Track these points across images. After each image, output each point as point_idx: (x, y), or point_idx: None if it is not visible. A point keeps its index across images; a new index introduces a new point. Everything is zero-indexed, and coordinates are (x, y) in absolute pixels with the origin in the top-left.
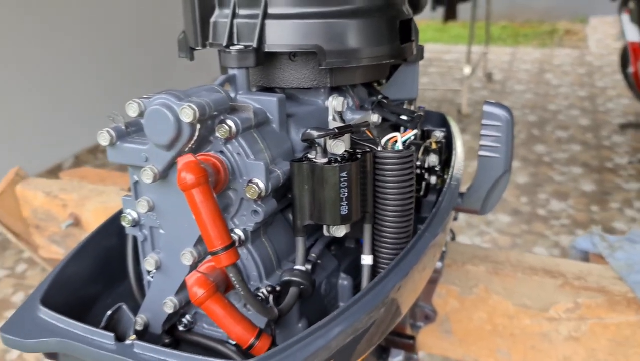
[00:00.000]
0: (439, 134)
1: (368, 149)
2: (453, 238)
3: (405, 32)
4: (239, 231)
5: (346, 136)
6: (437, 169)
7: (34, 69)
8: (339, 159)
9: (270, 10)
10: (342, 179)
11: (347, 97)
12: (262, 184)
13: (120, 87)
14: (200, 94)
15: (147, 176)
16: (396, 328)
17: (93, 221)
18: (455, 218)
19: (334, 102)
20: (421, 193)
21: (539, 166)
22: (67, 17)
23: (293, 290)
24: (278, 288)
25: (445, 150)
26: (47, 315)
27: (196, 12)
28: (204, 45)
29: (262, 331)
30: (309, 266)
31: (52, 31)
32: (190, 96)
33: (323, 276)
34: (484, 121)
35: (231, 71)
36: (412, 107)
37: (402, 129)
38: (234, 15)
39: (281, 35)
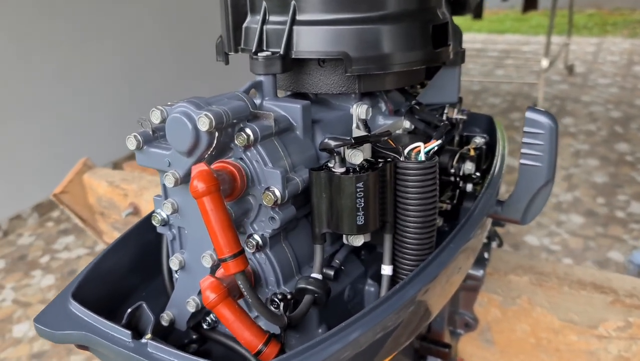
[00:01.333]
0: (479, 140)
1: (390, 159)
2: (500, 245)
3: (440, 36)
4: (257, 237)
5: (366, 146)
6: (474, 176)
7: (108, 68)
8: (357, 168)
9: (299, 17)
10: (358, 189)
11: (380, 102)
12: (278, 192)
13: (182, 86)
14: (221, 101)
15: (169, 181)
16: (434, 335)
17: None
18: (501, 225)
19: (359, 110)
20: (454, 201)
21: (620, 165)
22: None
23: (307, 298)
24: (289, 296)
25: (488, 156)
26: (76, 309)
27: (229, 18)
28: (236, 51)
29: (271, 337)
30: (331, 272)
31: (129, 29)
32: (211, 104)
33: (347, 282)
34: (526, 128)
35: (258, 77)
36: (455, 111)
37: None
38: (264, 21)
39: (308, 42)
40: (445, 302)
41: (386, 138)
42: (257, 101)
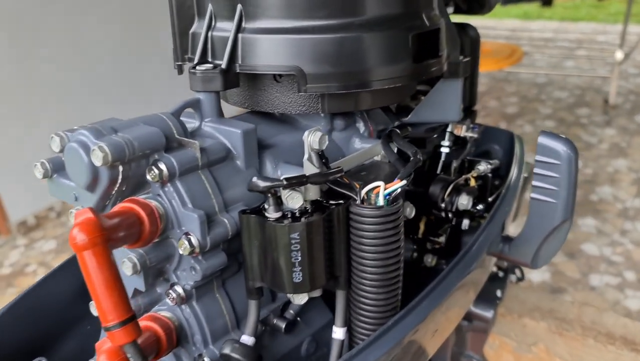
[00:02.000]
0: (483, 167)
1: (341, 201)
2: (520, 279)
3: (426, 46)
4: (179, 288)
5: (312, 186)
6: (475, 210)
7: None
8: (297, 214)
9: (246, 24)
10: (294, 241)
11: (358, 122)
12: (194, 240)
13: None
14: (133, 127)
15: (73, 218)
16: None
17: None
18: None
19: (311, 138)
20: (443, 239)
21: None
22: None
23: None
24: None
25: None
26: None
27: (174, 21)
28: (183, 60)
29: None
30: (281, 324)
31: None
32: (118, 130)
33: (307, 334)
34: (538, 157)
35: (197, 94)
36: (463, 128)
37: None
38: (210, 27)
39: (256, 54)
40: (432, 352)
41: (339, 176)
42: (195, 124)
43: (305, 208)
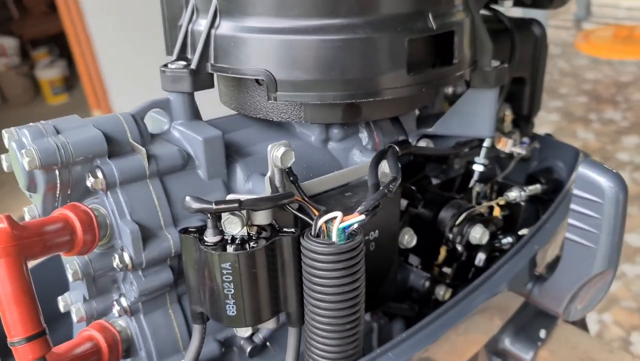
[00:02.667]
0: (515, 194)
1: (292, 230)
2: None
3: (432, 52)
4: (123, 300)
5: (262, 212)
6: (501, 244)
7: None
8: (238, 240)
9: (222, 21)
10: (225, 271)
11: (361, 132)
12: (126, 256)
13: None
14: (77, 130)
15: (27, 217)
16: None
17: None
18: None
19: (274, 154)
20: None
21: None
22: None
23: None
24: None
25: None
26: None
27: (164, 11)
28: (171, 54)
29: None
30: (247, 347)
31: None
32: (62, 132)
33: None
34: (576, 191)
35: (168, 94)
36: (509, 143)
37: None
38: (190, 20)
39: (226, 54)
40: None
41: (285, 202)
42: (165, 126)
43: (249, 234)
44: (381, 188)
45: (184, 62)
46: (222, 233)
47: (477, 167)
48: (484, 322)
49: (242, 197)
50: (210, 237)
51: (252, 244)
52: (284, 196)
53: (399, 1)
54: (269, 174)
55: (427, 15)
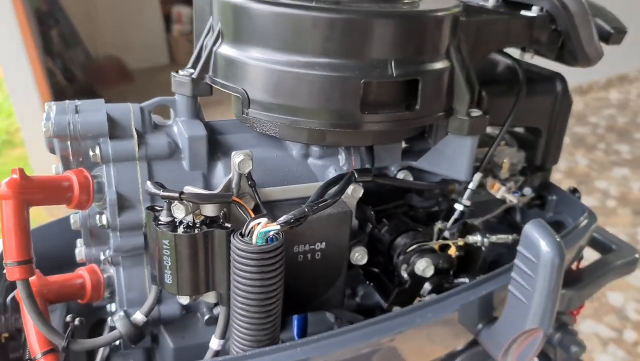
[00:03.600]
0: (473, 238)
1: (228, 226)
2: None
3: (396, 95)
4: (107, 252)
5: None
6: (446, 281)
7: None
8: (180, 224)
9: (223, 42)
10: (165, 247)
11: (340, 154)
12: (104, 218)
13: None
14: (91, 112)
15: (53, 170)
16: None
17: None
18: None
19: (235, 160)
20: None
21: None
22: None
23: (110, 335)
24: (77, 322)
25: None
26: None
27: (195, 24)
28: None
29: (51, 351)
30: (208, 317)
31: None
32: (81, 111)
33: None
34: (519, 247)
35: (176, 95)
36: (502, 189)
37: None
38: (206, 36)
39: (219, 70)
40: None
41: (221, 200)
42: (169, 121)
43: (194, 222)
44: (304, 207)
45: (191, 71)
46: (171, 215)
47: (458, 206)
48: (407, 347)
49: (194, 190)
50: (163, 217)
51: (188, 229)
52: (220, 196)
53: (360, 47)
54: (229, 176)
55: (389, 62)
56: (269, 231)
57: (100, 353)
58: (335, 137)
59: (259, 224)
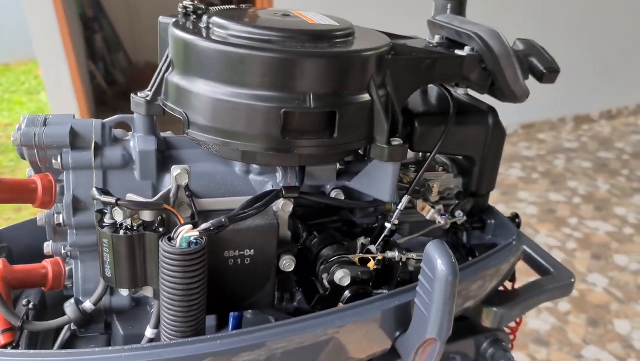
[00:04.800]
0: (393, 254)
1: (160, 229)
2: None
3: (316, 124)
4: (67, 246)
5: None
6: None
7: None
8: (120, 226)
9: (173, 70)
10: (104, 245)
11: (278, 171)
12: (61, 217)
13: None
14: (56, 125)
15: (27, 173)
16: None
17: None
18: None
19: (174, 172)
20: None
21: None
22: None
23: (61, 318)
24: (31, 306)
25: None
26: None
27: (160, 52)
28: None
29: (9, 330)
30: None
31: None
32: (49, 124)
33: None
34: (422, 264)
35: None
36: (430, 211)
37: None
38: (163, 63)
39: (168, 95)
40: None
41: (153, 207)
42: (127, 136)
43: (131, 225)
44: (222, 217)
45: (148, 93)
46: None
47: (387, 224)
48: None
49: (132, 198)
50: (106, 219)
51: (127, 231)
52: (151, 204)
53: (281, 81)
54: (169, 186)
55: (308, 95)
56: (190, 237)
57: (61, 335)
58: (264, 158)
59: (185, 228)
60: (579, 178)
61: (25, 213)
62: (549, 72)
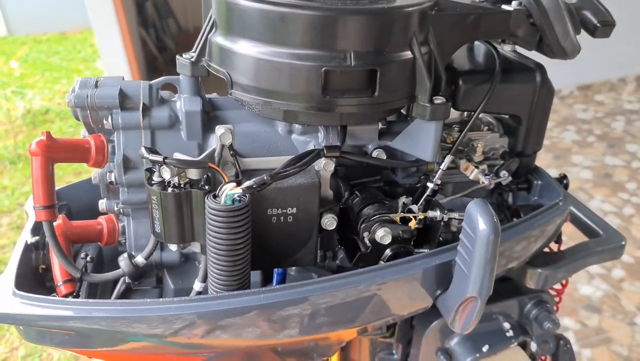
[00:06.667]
0: (435, 213)
1: (207, 187)
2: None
3: (357, 82)
4: (119, 205)
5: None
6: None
7: None
8: (168, 183)
9: (217, 30)
10: (153, 201)
11: (319, 132)
12: (113, 175)
13: None
14: (107, 87)
15: (82, 134)
16: None
17: None
18: None
19: (218, 132)
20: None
21: None
22: None
23: (115, 272)
24: (89, 259)
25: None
26: None
27: (204, 13)
28: None
29: (71, 280)
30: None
31: None
32: (100, 86)
33: None
34: (463, 223)
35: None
36: (474, 171)
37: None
38: (207, 23)
39: (212, 55)
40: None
41: (200, 165)
42: (174, 97)
43: (179, 182)
44: (264, 175)
45: (192, 54)
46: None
47: (429, 184)
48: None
49: (179, 157)
50: (155, 177)
51: (174, 188)
52: (197, 162)
53: (321, 40)
54: (214, 146)
55: (348, 54)
56: (234, 194)
57: (118, 287)
58: (306, 117)
59: (227, 187)
60: (639, 142)
61: (85, 176)
62: (603, 26)
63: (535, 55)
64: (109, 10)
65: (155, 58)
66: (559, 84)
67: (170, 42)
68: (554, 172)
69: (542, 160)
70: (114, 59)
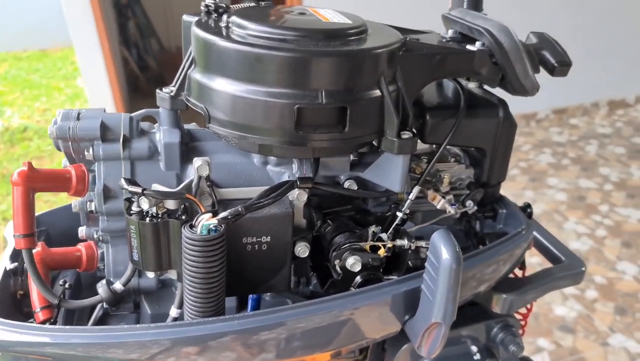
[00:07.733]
0: (403, 242)
1: (183, 217)
2: None
3: (328, 119)
4: (98, 232)
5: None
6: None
7: None
8: (146, 214)
9: (196, 67)
10: (131, 231)
11: (293, 163)
12: (93, 204)
13: None
14: (88, 119)
15: (63, 164)
16: None
17: None
18: None
19: (196, 164)
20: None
21: None
22: None
23: (93, 298)
24: (67, 285)
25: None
26: None
27: (184, 49)
28: None
29: (48, 307)
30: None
31: None
32: (82, 118)
33: None
34: (428, 252)
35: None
36: (441, 200)
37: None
38: (187, 60)
39: (191, 90)
40: None
41: (177, 196)
42: (154, 129)
43: (157, 213)
44: (239, 206)
45: (172, 88)
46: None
47: (398, 213)
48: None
49: (158, 188)
50: (133, 207)
51: (152, 219)
52: (175, 194)
53: (296, 80)
54: (191, 177)
55: (320, 92)
56: (210, 224)
57: (95, 312)
58: (280, 151)
59: (203, 218)
60: (611, 165)
61: (62, 195)
62: (560, 66)
63: (499, 91)
64: (90, 28)
65: (137, 77)
66: (535, 107)
67: (152, 62)
68: (530, 194)
69: (519, 182)
70: (95, 77)
